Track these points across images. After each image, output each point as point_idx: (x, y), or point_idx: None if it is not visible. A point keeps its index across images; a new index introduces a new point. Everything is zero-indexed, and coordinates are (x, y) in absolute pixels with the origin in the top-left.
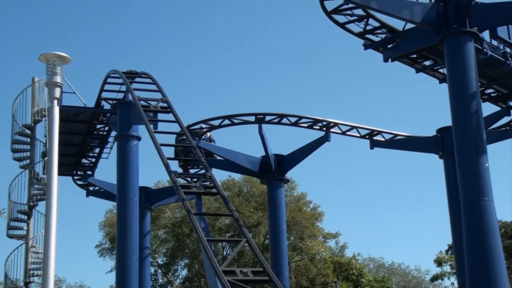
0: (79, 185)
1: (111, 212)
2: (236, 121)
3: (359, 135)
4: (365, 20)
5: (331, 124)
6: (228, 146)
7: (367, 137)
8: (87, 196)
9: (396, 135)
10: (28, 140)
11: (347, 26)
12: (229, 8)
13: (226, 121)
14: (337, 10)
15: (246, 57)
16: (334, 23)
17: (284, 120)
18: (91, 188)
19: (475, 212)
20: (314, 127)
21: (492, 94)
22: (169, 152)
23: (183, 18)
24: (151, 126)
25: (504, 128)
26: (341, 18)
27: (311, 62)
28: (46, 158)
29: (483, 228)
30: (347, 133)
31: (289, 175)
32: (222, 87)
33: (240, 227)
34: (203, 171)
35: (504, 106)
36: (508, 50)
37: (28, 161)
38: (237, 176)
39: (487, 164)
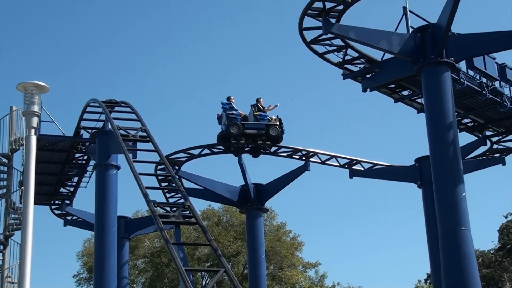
0: (57, 215)
1: (89, 241)
2: (216, 150)
3: (338, 165)
4: (344, 50)
5: (311, 154)
6: (207, 175)
7: (346, 166)
8: (65, 225)
9: (375, 164)
10: (5, 169)
11: (326, 56)
12: (208, 36)
13: (206, 151)
14: (316, 40)
15: (226, 88)
16: (313, 53)
17: None
18: (69, 218)
19: (453, 241)
20: (294, 156)
21: (469, 124)
22: (149, 181)
23: (165, 48)
24: (130, 155)
25: (480, 158)
26: (320, 48)
27: (291, 92)
28: (23, 187)
29: (460, 257)
30: (326, 162)
31: (268, 204)
32: (202, 117)
33: (218, 257)
34: (182, 201)
35: (480, 136)
36: (484, 80)
37: (5, 190)
38: (216, 206)
39: (464, 194)
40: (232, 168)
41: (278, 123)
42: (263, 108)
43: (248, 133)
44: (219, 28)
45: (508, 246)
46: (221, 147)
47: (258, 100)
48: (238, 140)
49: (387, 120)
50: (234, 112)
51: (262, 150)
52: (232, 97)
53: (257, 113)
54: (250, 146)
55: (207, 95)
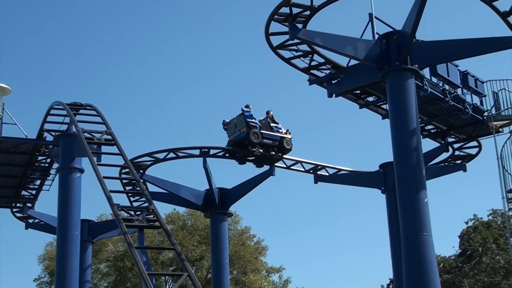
0: (18, 218)
1: (51, 245)
2: (181, 154)
3: (303, 170)
4: (310, 55)
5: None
6: (172, 179)
7: (311, 171)
8: (26, 228)
9: (340, 169)
10: None
11: (293, 61)
12: (175, 43)
13: (171, 154)
14: (282, 46)
15: (193, 91)
16: (279, 58)
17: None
18: (30, 221)
19: (414, 247)
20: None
21: (432, 131)
22: (114, 184)
23: (131, 52)
24: (95, 158)
25: (443, 164)
26: (286, 53)
27: (257, 96)
28: None
29: (421, 262)
30: (291, 167)
31: (233, 209)
32: (167, 121)
33: (182, 261)
34: (146, 205)
35: (443, 142)
36: (447, 87)
37: None
38: (181, 210)
39: (426, 200)
40: (197, 173)
41: (290, 136)
42: (275, 120)
43: (265, 143)
44: (185, 32)
45: (469, 252)
46: (188, 151)
47: (268, 112)
48: (258, 149)
49: (352, 126)
50: (254, 120)
51: (267, 161)
52: (250, 105)
53: (273, 124)
54: (255, 155)
55: (172, 99)
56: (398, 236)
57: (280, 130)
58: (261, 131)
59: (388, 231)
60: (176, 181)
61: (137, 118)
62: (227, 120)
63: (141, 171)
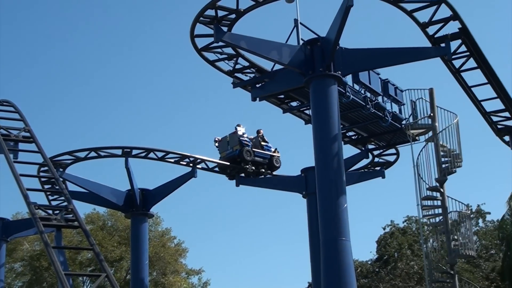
0: None
1: None
2: (102, 153)
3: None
4: (235, 59)
5: (198, 160)
6: (93, 178)
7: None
8: None
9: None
10: None
11: (217, 64)
12: (98, 40)
13: (93, 154)
14: (207, 48)
15: (115, 89)
16: (204, 60)
17: (151, 155)
18: None
19: (333, 251)
20: (181, 162)
21: (353, 137)
22: (32, 183)
23: (51, 44)
24: (11, 155)
25: (363, 170)
26: (211, 56)
27: (180, 98)
28: None
29: (340, 266)
30: (214, 169)
31: (154, 209)
32: (89, 119)
33: (100, 262)
34: (65, 204)
35: (363, 149)
36: (368, 94)
37: None
38: (102, 210)
39: (345, 205)
40: (119, 172)
41: (278, 154)
42: (265, 139)
43: (256, 160)
44: (111, 29)
45: (385, 257)
46: (110, 151)
47: (258, 131)
48: (250, 166)
49: (275, 130)
50: (247, 139)
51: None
52: (241, 125)
53: (264, 143)
54: (247, 172)
55: (92, 98)
56: (318, 241)
57: (271, 149)
58: (253, 149)
59: (308, 235)
60: (100, 181)
61: (57, 115)
62: (219, 138)
63: (61, 169)
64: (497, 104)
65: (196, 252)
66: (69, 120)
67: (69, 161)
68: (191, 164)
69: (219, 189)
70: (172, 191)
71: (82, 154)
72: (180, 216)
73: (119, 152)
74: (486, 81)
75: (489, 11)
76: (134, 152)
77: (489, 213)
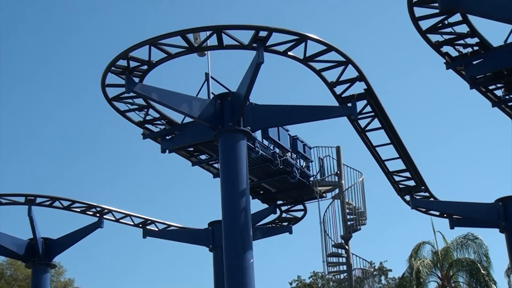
0: None
1: None
2: (3, 201)
3: (132, 223)
4: (145, 110)
5: (105, 211)
6: None
7: (140, 225)
8: None
9: (169, 225)
10: None
11: (128, 114)
12: (15, 88)
13: None
14: (118, 98)
15: (20, 133)
16: (115, 110)
17: (57, 203)
18: None
19: None
20: (88, 212)
21: (261, 192)
22: None
23: None
24: None
25: (270, 225)
26: (122, 106)
27: (90, 146)
28: None
29: None
30: (120, 220)
31: (58, 259)
32: None
33: None
34: None
35: (271, 204)
36: (277, 150)
37: None
38: (0, 258)
39: (252, 260)
40: (21, 220)
41: None
42: None
43: None
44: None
45: None
46: (12, 198)
47: None
48: None
49: (184, 183)
50: None
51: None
52: None
53: None
54: None
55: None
56: None
57: None
58: None
59: None
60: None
61: None
62: None
63: None
64: (399, 164)
65: None
66: None
67: None
68: (97, 214)
69: (125, 240)
70: (77, 241)
71: None
72: (85, 266)
73: (22, 199)
74: (389, 141)
75: (394, 72)
76: (38, 200)
77: (391, 270)
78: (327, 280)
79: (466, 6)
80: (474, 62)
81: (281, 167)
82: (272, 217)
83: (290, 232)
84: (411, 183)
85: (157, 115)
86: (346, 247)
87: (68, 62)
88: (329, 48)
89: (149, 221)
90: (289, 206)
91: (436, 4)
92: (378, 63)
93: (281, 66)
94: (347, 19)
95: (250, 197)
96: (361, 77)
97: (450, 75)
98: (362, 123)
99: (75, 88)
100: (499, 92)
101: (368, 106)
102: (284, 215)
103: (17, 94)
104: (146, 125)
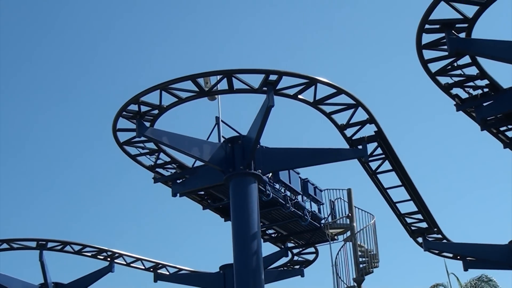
0: None
1: None
2: (15, 245)
3: (143, 267)
4: (156, 154)
5: (116, 255)
6: (3, 271)
7: (151, 269)
8: None
9: (181, 269)
10: None
11: (139, 158)
12: (13, 125)
13: (5, 245)
14: (129, 142)
15: (32, 178)
16: (126, 155)
17: (68, 248)
18: None
19: None
20: (98, 256)
21: (273, 235)
22: None
23: None
24: None
25: (282, 268)
26: (133, 150)
27: (99, 190)
28: None
29: None
30: (131, 264)
31: None
32: (2, 209)
33: None
34: None
35: (283, 247)
36: (288, 193)
37: None
38: None
39: None
40: (33, 265)
41: None
42: None
43: None
44: (32, 116)
45: None
46: (23, 243)
47: None
48: None
49: (195, 226)
50: None
51: None
52: None
53: None
54: None
55: (5, 187)
56: None
57: None
58: None
59: None
60: (11, 273)
61: None
62: None
63: None
64: (411, 206)
65: None
66: None
67: None
68: (108, 259)
69: (136, 284)
70: (88, 286)
71: None
72: None
73: (33, 244)
74: (400, 183)
75: (404, 114)
76: (50, 244)
77: None
78: None
79: (475, 49)
80: (485, 104)
81: (292, 210)
82: (283, 260)
83: (302, 275)
84: (423, 225)
85: (168, 159)
86: None
87: (78, 106)
88: (339, 91)
89: (160, 265)
90: (300, 249)
91: (445, 47)
92: (388, 106)
93: (291, 108)
94: (357, 62)
95: (262, 240)
96: (371, 120)
97: (460, 117)
98: (373, 165)
99: (85, 132)
100: (510, 133)
101: (379, 148)
102: (295, 258)
103: (29, 140)
104: (157, 169)
